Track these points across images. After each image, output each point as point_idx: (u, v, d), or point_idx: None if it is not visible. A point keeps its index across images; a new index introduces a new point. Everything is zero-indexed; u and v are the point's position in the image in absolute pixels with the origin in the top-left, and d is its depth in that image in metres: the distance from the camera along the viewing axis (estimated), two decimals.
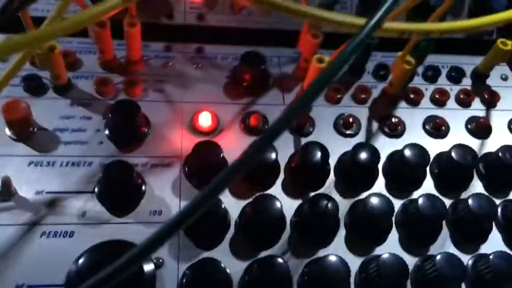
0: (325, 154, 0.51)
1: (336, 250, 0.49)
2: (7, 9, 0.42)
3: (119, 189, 0.47)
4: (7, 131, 0.51)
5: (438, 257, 0.47)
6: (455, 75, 0.66)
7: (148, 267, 0.45)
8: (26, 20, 0.46)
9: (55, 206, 0.47)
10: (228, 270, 0.46)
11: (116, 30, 0.55)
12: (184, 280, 0.45)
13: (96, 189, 0.49)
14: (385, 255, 0.46)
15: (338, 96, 0.60)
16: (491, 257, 0.48)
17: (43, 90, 0.54)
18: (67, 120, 0.53)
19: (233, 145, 0.54)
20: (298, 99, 0.29)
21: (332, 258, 0.46)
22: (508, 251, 0.51)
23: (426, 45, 0.59)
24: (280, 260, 0.45)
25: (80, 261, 0.43)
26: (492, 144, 0.60)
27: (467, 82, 0.66)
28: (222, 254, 0.47)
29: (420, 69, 0.65)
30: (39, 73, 0.55)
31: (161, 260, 0.46)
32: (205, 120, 0.55)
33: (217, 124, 0.56)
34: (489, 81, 0.66)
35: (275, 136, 0.29)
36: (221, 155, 0.50)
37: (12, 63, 0.43)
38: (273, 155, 0.51)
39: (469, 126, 0.61)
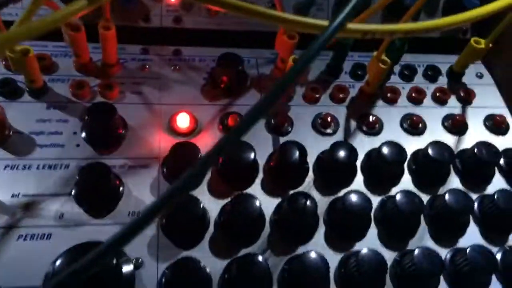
0: (303, 153, 0.52)
1: (316, 247, 0.49)
2: None
3: (97, 191, 0.47)
4: None
5: (416, 251, 0.47)
6: (431, 73, 0.67)
7: (127, 268, 0.45)
8: None
9: (32, 209, 0.47)
10: (207, 269, 0.46)
11: (91, 34, 0.55)
12: (163, 280, 0.45)
13: (73, 191, 0.48)
14: (364, 251, 0.47)
15: (316, 95, 0.61)
16: (468, 250, 0.48)
17: (19, 93, 0.54)
18: (43, 123, 0.53)
19: (209, 143, 0.54)
20: (263, 97, 0.29)
21: (312, 255, 0.46)
22: (485, 244, 0.52)
23: (401, 45, 0.60)
24: (259, 258, 0.45)
25: (57, 263, 0.43)
26: (468, 141, 0.61)
27: (443, 81, 0.67)
28: (201, 253, 0.47)
29: (396, 68, 0.66)
30: (14, 77, 0.54)
31: (140, 261, 0.46)
32: (183, 121, 0.55)
33: (195, 125, 0.56)
34: (464, 79, 0.67)
35: (245, 131, 0.29)
36: (199, 155, 0.50)
37: None
38: (252, 155, 0.51)
39: (445, 123, 0.62)
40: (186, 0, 0.60)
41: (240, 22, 0.64)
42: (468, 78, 0.67)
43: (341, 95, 0.61)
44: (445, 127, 0.62)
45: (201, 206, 0.48)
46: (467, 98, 0.65)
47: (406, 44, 0.61)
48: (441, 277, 0.50)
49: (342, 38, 0.56)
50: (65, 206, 0.48)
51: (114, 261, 0.43)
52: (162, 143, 0.54)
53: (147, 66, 0.60)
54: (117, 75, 0.58)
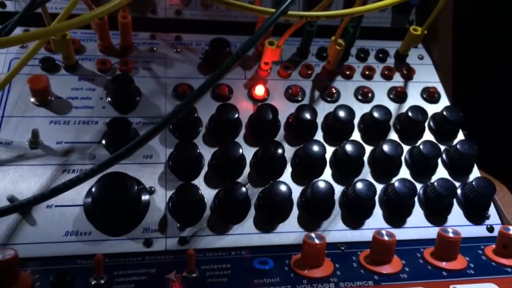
0: (275, 113, 0.68)
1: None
2: (32, 5, 0.59)
3: (121, 139, 0.63)
4: (32, 99, 0.66)
5: (358, 183, 0.63)
6: (382, 56, 0.83)
7: (144, 194, 0.61)
8: (45, 14, 0.62)
9: (71, 152, 0.63)
10: (203, 194, 0.62)
11: (112, 22, 0.71)
12: (170, 203, 0.61)
13: (103, 141, 0.65)
14: (319, 183, 0.63)
15: (289, 72, 0.77)
16: (395, 184, 0.65)
17: (57, 68, 0.70)
18: (77, 91, 0.69)
19: (205, 108, 0.70)
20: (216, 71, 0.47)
21: (280, 185, 0.62)
22: (412, 180, 0.68)
23: (354, 31, 0.77)
24: (242, 187, 0.61)
25: (94, 186, 0.59)
26: (407, 107, 0.77)
27: (390, 61, 0.83)
28: (198, 184, 0.63)
29: (353, 51, 0.83)
30: (53, 56, 0.71)
31: (153, 189, 0.62)
32: (184, 90, 0.71)
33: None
34: (408, 60, 0.84)
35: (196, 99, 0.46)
36: (196, 115, 0.67)
37: (30, 48, 0.59)
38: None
39: (390, 94, 0.79)
40: None
41: (228, 14, 0.80)
42: (411, 59, 0.84)
43: (308, 72, 0.78)
44: (389, 97, 0.78)
45: (198, 151, 0.64)
46: (408, 75, 0.81)
47: (358, 31, 0.77)
48: (377, 203, 0.66)
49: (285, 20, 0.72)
50: (96, 150, 0.64)
51: (136, 188, 0.59)
52: (168, 106, 0.70)
53: (154, 49, 0.76)
54: (132, 55, 0.75)
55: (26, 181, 0.60)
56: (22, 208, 0.56)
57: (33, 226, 0.57)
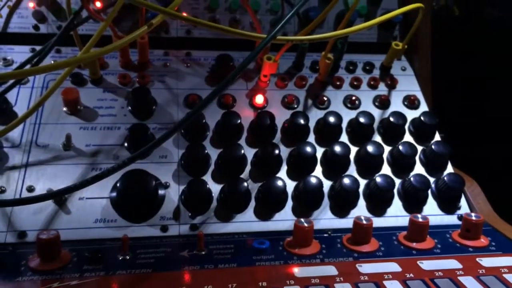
0: (272, 118, 0.79)
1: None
2: (68, 28, 0.71)
3: (139, 141, 0.74)
4: (64, 108, 0.78)
5: (344, 178, 0.74)
6: (368, 68, 0.93)
7: (161, 188, 0.72)
8: (76, 38, 0.74)
9: (98, 153, 0.75)
10: (210, 188, 0.73)
11: (131, 42, 0.82)
12: (183, 196, 0.72)
13: (125, 143, 0.76)
14: (311, 178, 0.73)
15: (285, 83, 0.88)
16: (377, 179, 0.75)
17: (84, 82, 0.82)
18: (102, 101, 0.80)
19: (211, 115, 0.81)
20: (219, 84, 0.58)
21: (277, 180, 0.72)
22: (392, 176, 0.78)
23: (341, 47, 0.88)
24: (244, 182, 0.71)
25: (119, 182, 0.69)
26: (389, 113, 0.87)
27: (376, 73, 0.94)
28: (206, 180, 0.74)
29: (343, 64, 0.93)
30: (81, 71, 0.82)
31: (168, 183, 0.73)
32: (193, 100, 0.82)
33: None
34: (392, 71, 0.94)
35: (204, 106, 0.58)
36: (204, 121, 0.78)
37: (64, 72, 0.71)
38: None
39: (375, 102, 0.89)
40: (191, 23, 0.86)
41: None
42: (395, 70, 0.94)
43: (302, 83, 0.89)
44: (374, 104, 0.89)
45: (205, 151, 0.75)
46: (392, 84, 0.92)
47: (345, 46, 0.88)
48: (361, 196, 0.77)
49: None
50: (119, 152, 0.75)
51: (154, 183, 0.70)
52: (179, 114, 0.81)
53: (168, 64, 0.88)
54: (148, 70, 0.86)
55: (61, 177, 0.71)
56: (57, 196, 0.67)
57: (68, 215, 0.68)
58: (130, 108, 0.80)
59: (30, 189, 0.69)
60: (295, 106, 0.86)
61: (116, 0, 0.70)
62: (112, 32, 0.77)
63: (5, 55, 0.83)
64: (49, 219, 0.67)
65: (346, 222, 0.74)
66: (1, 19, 0.85)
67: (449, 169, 0.83)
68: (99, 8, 0.82)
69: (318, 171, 0.79)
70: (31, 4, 0.85)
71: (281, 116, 0.83)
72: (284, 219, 0.73)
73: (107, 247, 0.63)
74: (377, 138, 0.85)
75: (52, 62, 0.82)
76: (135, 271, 0.58)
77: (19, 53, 0.84)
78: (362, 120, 0.82)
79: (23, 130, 0.75)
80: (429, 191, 0.79)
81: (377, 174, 0.77)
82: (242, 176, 0.76)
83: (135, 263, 0.60)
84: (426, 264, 0.62)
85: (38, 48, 0.80)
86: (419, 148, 0.83)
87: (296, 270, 0.60)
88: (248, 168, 0.77)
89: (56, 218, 0.68)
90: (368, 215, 0.76)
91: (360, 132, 0.84)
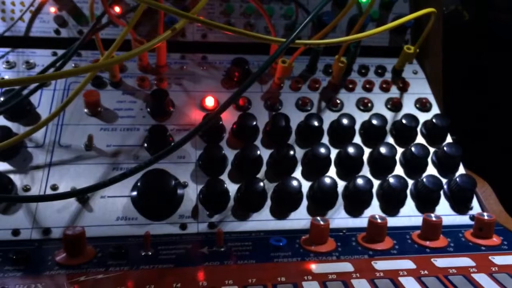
0: (287, 120, 0.81)
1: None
2: (90, 31, 0.73)
3: (159, 142, 0.76)
4: (85, 110, 0.80)
5: (358, 179, 0.76)
6: (380, 71, 0.95)
7: (180, 187, 0.74)
8: (98, 42, 0.76)
9: (119, 153, 0.77)
10: (228, 187, 0.74)
11: None
12: (200, 195, 0.74)
13: (144, 144, 0.78)
14: (325, 179, 0.75)
15: (299, 85, 0.90)
16: (390, 180, 0.77)
17: (104, 85, 0.84)
18: (121, 103, 0.83)
19: (228, 117, 0.83)
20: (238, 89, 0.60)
21: (292, 180, 0.74)
22: (405, 177, 0.80)
23: (354, 51, 0.89)
24: (260, 182, 0.73)
25: (139, 181, 0.72)
26: (401, 115, 0.89)
27: (388, 76, 0.96)
28: (223, 179, 0.76)
29: (356, 67, 0.95)
30: (102, 74, 0.84)
31: (186, 183, 0.75)
32: (209, 102, 0.85)
33: (217, 105, 0.85)
34: (404, 75, 0.96)
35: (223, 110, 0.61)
36: (220, 122, 0.80)
37: (87, 77, 0.73)
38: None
39: (387, 104, 0.91)
40: (207, 26, 0.88)
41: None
42: (407, 73, 0.96)
43: (316, 85, 0.91)
44: (386, 107, 0.91)
45: (222, 152, 0.77)
46: (404, 87, 0.94)
47: (358, 50, 0.90)
48: (374, 196, 0.78)
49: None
50: (139, 152, 0.77)
51: (173, 182, 0.72)
52: (196, 115, 0.83)
53: (184, 67, 0.90)
54: (166, 73, 0.88)
55: (83, 177, 0.74)
56: (80, 194, 0.69)
57: (90, 213, 0.71)
58: (148, 109, 0.82)
59: (54, 187, 0.72)
60: (309, 108, 0.88)
61: (136, 5, 0.72)
62: (131, 37, 0.80)
63: (28, 58, 0.85)
64: (73, 217, 0.69)
65: (360, 222, 0.76)
66: (24, 23, 0.87)
67: (461, 170, 0.84)
68: (119, 14, 0.84)
69: (332, 171, 0.81)
70: (53, 9, 0.88)
71: (296, 118, 0.85)
72: (299, 218, 0.75)
73: (129, 244, 0.65)
74: (390, 140, 0.86)
75: (73, 65, 0.85)
76: (158, 266, 0.60)
77: (41, 57, 0.86)
78: (375, 122, 0.84)
79: (46, 131, 0.77)
80: (442, 192, 0.80)
81: (390, 175, 0.79)
82: (258, 176, 0.78)
83: (157, 258, 0.62)
84: (440, 262, 0.64)
85: (59, 51, 0.83)
86: (431, 149, 0.84)
87: (313, 266, 0.62)
88: (263, 168, 0.79)
89: (79, 216, 0.70)
90: (382, 214, 0.77)
91: (373, 134, 0.85)
